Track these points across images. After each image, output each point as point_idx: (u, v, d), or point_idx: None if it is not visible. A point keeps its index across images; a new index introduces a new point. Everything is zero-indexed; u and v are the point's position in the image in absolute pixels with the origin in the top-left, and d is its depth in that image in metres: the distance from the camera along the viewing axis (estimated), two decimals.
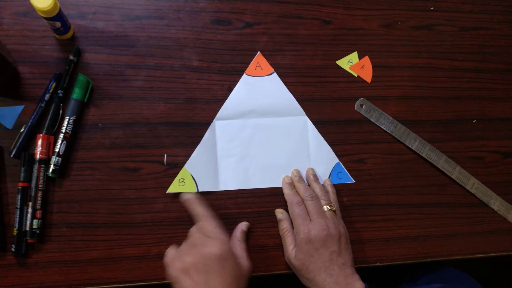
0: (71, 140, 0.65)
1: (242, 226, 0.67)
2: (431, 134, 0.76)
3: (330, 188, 0.70)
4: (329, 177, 0.71)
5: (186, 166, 0.67)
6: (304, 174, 0.71)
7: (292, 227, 0.67)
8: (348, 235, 0.66)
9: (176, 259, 0.58)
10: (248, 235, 0.68)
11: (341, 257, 0.63)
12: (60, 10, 0.61)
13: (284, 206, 0.69)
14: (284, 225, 0.67)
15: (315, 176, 0.70)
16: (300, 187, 0.68)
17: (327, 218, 0.65)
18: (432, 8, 0.80)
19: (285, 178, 0.70)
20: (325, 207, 0.66)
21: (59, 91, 0.65)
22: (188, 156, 0.68)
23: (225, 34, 0.73)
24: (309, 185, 0.70)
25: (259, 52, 0.73)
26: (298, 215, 0.65)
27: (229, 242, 0.60)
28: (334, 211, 0.67)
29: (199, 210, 0.62)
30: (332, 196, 0.69)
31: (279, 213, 0.69)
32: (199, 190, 0.67)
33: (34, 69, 0.66)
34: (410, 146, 0.74)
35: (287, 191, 0.68)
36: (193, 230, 0.61)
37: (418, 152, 0.74)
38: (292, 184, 0.69)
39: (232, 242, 0.64)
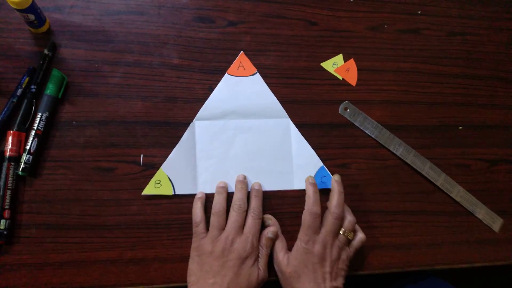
0: (43, 137, 0.64)
1: (268, 233, 0.66)
2: (416, 140, 0.76)
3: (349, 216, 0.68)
4: (315, 181, 0.71)
5: (162, 167, 0.66)
6: (290, 180, 0.71)
7: (280, 233, 0.67)
8: (349, 263, 0.66)
9: (209, 239, 0.63)
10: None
11: (335, 281, 0.63)
12: (33, 2, 0.60)
13: (267, 210, 0.69)
14: (275, 231, 0.66)
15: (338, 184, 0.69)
16: (335, 198, 0.66)
17: (336, 239, 0.65)
18: (419, 12, 0.81)
19: (309, 178, 0.70)
20: (341, 231, 0.66)
21: (32, 87, 0.64)
22: (165, 157, 0.67)
23: (207, 32, 0.72)
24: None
25: (242, 51, 0.73)
26: (310, 226, 0.64)
27: (254, 246, 0.63)
28: (349, 240, 0.66)
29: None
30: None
31: (269, 219, 0.68)
32: (176, 193, 0.66)
33: (7, 63, 0.65)
34: (394, 151, 0.74)
35: (310, 194, 0.67)
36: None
37: (402, 158, 0.75)
38: (316, 187, 0.68)
39: (257, 247, 0.64)
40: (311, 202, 0.66)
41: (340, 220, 0.65)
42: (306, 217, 0.65)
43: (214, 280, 0.60)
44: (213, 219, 0.64)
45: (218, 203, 0.65)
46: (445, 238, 0.75)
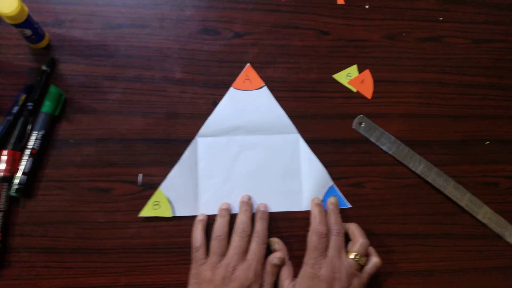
0: (38, 156, 0.62)
1: (274, 259, 0.62)
2: (438, 157, 0.71)
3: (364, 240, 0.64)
4: (321, 202, 0.67)
5: (161, 187, 0.64)
6: (300, 200, 0.67)
7: (288, 259, 0.63)
8: None
9: (209, 266, 0.59)
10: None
11: None
12: (29, 16, 0.58)
13: (276, 233, 0.66)
14: (280, 258, 0.63)
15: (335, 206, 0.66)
16: (332, 217, 0.64)
17: (343, 262, 0.61)
18: (441, 19, 0.76)
19: (315, 199, 0.66)
20: (353, 255, 0.61)
21: (29, 104, 0.62)
22: (165, 176, 0.64)
23: (212, 45, 0.70)
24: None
25: (248, 64, 0.70)
26: (316, 248, 0.61)
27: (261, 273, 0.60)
28: (360, 265, 0.62)
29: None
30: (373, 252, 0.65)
31: (275, 243, 0.64)
32: (176, 214, 0.63)
33: (5, 80, 0.64)
34: (414, 169, 0.70)
35: (315, 214, 0.64)
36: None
37: (423, 176, 0.70)
38: (322, 207, 0.65)
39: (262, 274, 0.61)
40: (316, 222, 0.63)
41: (342, 236, 0.62)
42: (312, 238, 0.62)
43: None
44: (214, 244, 0.60)
45: (219, 227, 0.61)
46: (470, 264, 0.70)
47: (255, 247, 0.61)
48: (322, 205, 0.65)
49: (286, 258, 0.63)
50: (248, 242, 0.61)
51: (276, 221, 0.66)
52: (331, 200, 0.66)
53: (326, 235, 0.62)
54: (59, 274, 0.61)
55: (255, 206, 0.65)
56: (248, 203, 0.64)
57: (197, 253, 0.60)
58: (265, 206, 0.65)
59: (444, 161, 0.72)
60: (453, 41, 0.76)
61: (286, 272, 0.62)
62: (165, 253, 0.63)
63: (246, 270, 0.58)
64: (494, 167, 0.73)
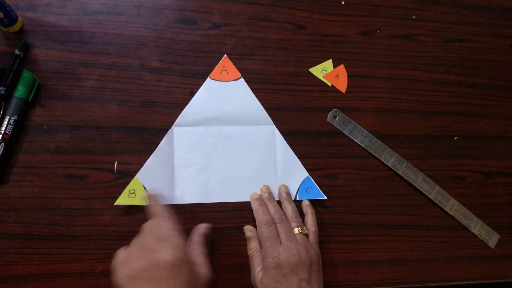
0: (11, 142, 0.62)
1: (200, 228, 0.63)
2: (408, 151, 0.75)
3: (309, 209, 0.68)
4: (297, 192, 0.69)
5: (137, 176, 0.65)
6: (274, 190, 0.69)
7: (260, 247, 0.65)
8: (321, 262, 0.65)
9: (125, 264, 0.54)
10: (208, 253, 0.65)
11: (310, 286, 0.61)
12: None
13: (249, 222, 0.68)
14: (253, 244, 0.65)
15: (288, 194, 0.69)
16: (270, 207, 0.66)
17: (298, 242, 0.63)
18: (414, 17, 0.80)
19: (253, 195, 0.68)
20: (296, 230, 0.64)
21: (1, 88, 0.63)
22: (141, 164, 0.65)
23: (190, 35, 0.71)
24: (280, 204, 0.68)
25: (225, 55, 0.71)
26: (267, 237, 0.63)
27: (185, 247, 0.56)
28: (306, 235, 0.65)
29: (157, 208, 0.59)
30: (311, 218, 0.68)
31: (248, 231, 0.66)
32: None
33: None
34: (385, 162, 0.73)
35: (256, 208, 0.66)
36: (146, 227, 0.57)
37: (394, 169, 0.73)
38: (261, 201, 0.67)
39: (189, 247, 0.59)
40: (260, 214, 0.65)
41: (286, 221, 0.65)
42: (261, 229, 0.64)
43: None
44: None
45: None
46: (438, 254, 0.73)
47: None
48: (260, 199, 0.68)
49: (258, 247, 0.65)
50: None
51: (250, 210, 0.68)
52: (263, 189, 0.69)
53: (272, 223, 0.64)
54: (33, 261, 0.61)
55: (232, 198, 0.68)
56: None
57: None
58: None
59: (414, 155, 0.75)
60: (425, 39, 0.80)
61: (257, 260, 0.64)
62: None
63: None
64: (461, 161, 0.77)
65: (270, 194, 0.68)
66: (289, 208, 0.66)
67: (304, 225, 0.66)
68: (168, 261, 0.52)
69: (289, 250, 0.61)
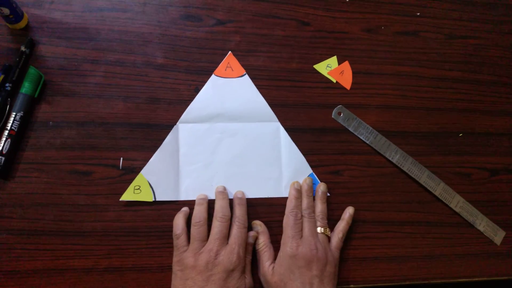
0: (17, 138, 0.63)
1: (249, 238, 0.66)
2: (413, 147, 0.75)
3: (347, 218, 0.70)
4: (300, 187, 0.70)
5: (143, 172, 0.65)
6: (281, 187, 0.70)
7: (269, 242, 0.66)
8: (337, 267, 0.66)
9: (191, 252, 0.60)
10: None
11: (323, 284, 0.61)
12: None
13: (254, 218, 0.68)
14: (262, 239, 0.66)
15: (324, 194, 0.69)
16: (304, 200, 0.68)
17: (319, 240, 0.64)
18: (418, 14, 0.80)
19: (295, 183, 0.69)
20: (319, 229, 0.65)
21: (7, 84, 0.63)
22: (146, 160, 0.66)
23: (195, 31, 0.72)
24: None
25: (230, 52, 0.72)
26: (292, 226, 0.64)
27: (243, 256, 0.62)
28: (328, 238, 0.66)
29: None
30: (343, 225, 0.69)
31: (258, 225, 0.67)
32: (157, 199, 0.65)
33: None
34: (390, 159, 0.73)
35: (291, 197, 0.68)
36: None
37: (399, 165, 0.73)
38: (299, 193, 0.68)
39: None
40: (292, 204, 0.67)
41: (313, 218, 0.66)
42: (289, 218, 0.65)
43: None
44: (194, 230, 0.62)
45: (198, 214, 0.63)
46: (443, 251, 0.73)
47: (236, 231, 0.63)
48: (299, 191, 0.68)
49: (267, 242, 0.66)
50: (228, 227, 0.64)
51: (256, 207, 0.68)
52: (307, 181, 0.69)
53: (301, 216, 0.66)
54: (39, 256, 0.62)
55: (231, 195, 0.68)
56: (223, 192, 0.66)
57: (179, 240, 0.62)
58: (242, 193, 0.68)
59: (419, 151, 0.76)
60: (429, 36, 0.80)
61: (266, 255, 0.65)
62: (145, 237, 0.64)
63: (229, 254, 0.61)
64: (467, 158, 0.77)
65: (310, 188, 0.69)
66: (319, 207, 0.68)
67: (327, 227, 0.67)
68: (226, 266, 0.60)
69: (309, 245, 0.62)
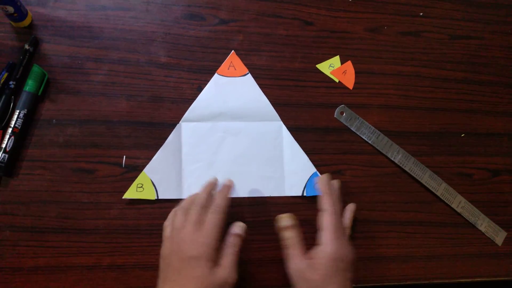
0: (20, 135, 0.63)
1: (234, 228, 0.60)
2: (415, 147, 0.76)
3: (351, 207, 0.70)
4: (304, 188, 0.70)
5: (145, 170, 0.66)
6: (281, 186, 0.71)
7: (298, 239, 0.62)
8: None
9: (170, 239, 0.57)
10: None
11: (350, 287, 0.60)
12: None
13: (254, 218, 0.69)
14: (294, 233, 0.62)
15: (339, 190, 0.67)
16: (334, 198, 0.64)
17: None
18: (421, 14, 0.81)
19: (325, 176, 0.65)
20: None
21: (11, 82, 0.64)
22: (149, 159, 0.67)
23: (198, 30, 0.72)
24: None
25: (233, 51, 0.73)
26: (335, 225, 0.60)
27: (216, 245, 0.55)
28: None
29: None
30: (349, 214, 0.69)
31: (293, 219, 0.64)
32: (159, 197, 0.66)
33: None
34: (392, 158, 0.74)
35: (326, 191, 0.63)
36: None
37: (401, 165, 0.74)
38: (331, 187, 0.65)
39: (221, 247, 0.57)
40: (333, 200, 0.63)
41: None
42: (330, 217, 0.61)
43: None
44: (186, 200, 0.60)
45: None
46: (444, 251, 0.74)
47: (211, 216, 0.57)
48: (330, 184, 0.65)
49: (297, 239, 0.62)
50: (222, 219, 0.57)
51: (258, 206, 0.69)
52: (335, 183, 0.67)
53: (341, 215, 0.64)
54: (42, 253, 0.63)
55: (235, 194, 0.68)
56: (229, 186, 0.62)
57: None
58: (230, 181, 0.63)
59: (421, 151, 0.76)
60: (431, 36, 0.81)
61: (299, 248, 0.61)
62: (148, 235, 0.65)
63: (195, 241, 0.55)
64: (468, 158, 0.78)
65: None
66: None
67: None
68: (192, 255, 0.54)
69: (349, 247, 0.61)
